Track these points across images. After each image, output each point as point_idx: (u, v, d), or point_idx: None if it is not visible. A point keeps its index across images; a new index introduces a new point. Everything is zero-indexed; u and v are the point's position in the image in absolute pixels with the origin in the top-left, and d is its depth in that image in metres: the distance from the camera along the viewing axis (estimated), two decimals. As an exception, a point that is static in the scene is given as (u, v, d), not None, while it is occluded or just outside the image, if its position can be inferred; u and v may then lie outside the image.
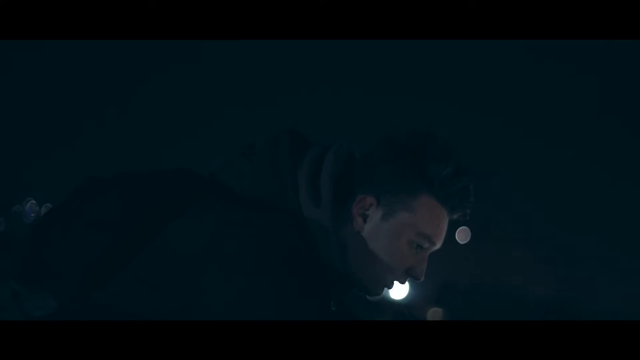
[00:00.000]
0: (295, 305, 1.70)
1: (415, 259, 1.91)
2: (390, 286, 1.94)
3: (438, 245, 1.93)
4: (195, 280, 1.72)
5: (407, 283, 1.97)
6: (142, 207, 1.81)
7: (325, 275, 1.79)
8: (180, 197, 1.83)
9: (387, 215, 1.88)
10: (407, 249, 1.89)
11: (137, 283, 1.76)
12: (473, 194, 1.92)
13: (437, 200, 1.88)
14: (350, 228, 1.89)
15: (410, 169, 1.88)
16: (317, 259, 1.80)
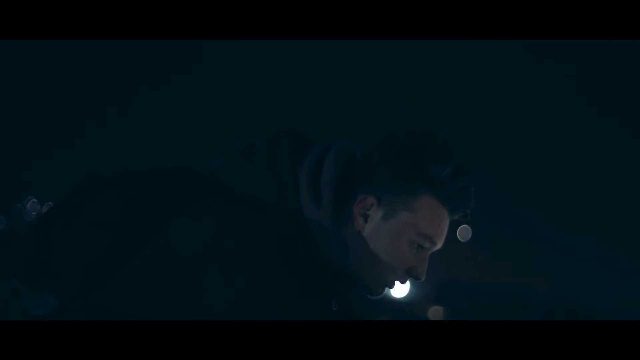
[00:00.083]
0: (295, 305, 1.70)
1: (416, 259, 1.91)
2: (391, 286, 1.94)
3: (439, 245, 1.93)
4: (196, 281, 1.72)
5: (408, 282, 1.97)
6: (142, 206, 1.81)
7: (325, 275, 1.79)
8: (180, 197, 1.83)
9: (388, 215, 1.88)
10: (408, 249, 1.89)
11: (137, 283, 1.76)
12: (474, 194, 1.92)
13: (438, 200, 1.88)
14: (351, 228, 1.89)
15: (411, 169, 1.88)
16: (317, 259, 1.79)
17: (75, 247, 1.79)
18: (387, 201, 1.88)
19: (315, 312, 1.70)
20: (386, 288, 1.94)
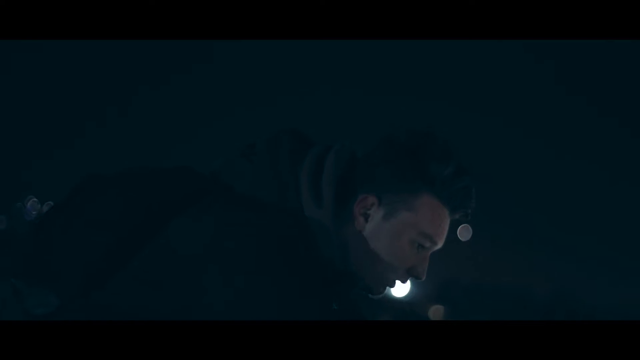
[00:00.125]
0: (295, 305, 1.70)
1: (416, 258, 1.91)
2: (392, 285, 1.94)
3: (439, 245, 1.93)
4: (196, 281, 1.72)
5: (408, 282, 1.97)
6: (142, 206, 1.81)
7: (326, 275, 1.79)
8: (180, 197, 1.83)
9: (389, 215, 1.88)
10: (408, 249, 1.89)
11: (137, 283, 1.76)
12: (475, 193, 1.92)
13: (438, 199, 1.88)
14: (352, 227, 1.89)
15: (412, 168, 1.88)
16: (318, 258, 1.79)
17: (75, 246, 1.79)
18: (388, 201, 1.88)
19: (316, 312, 1.70)
20: (387, 287, 1.94)
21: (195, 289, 1.72)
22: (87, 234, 1.80)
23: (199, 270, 1.72)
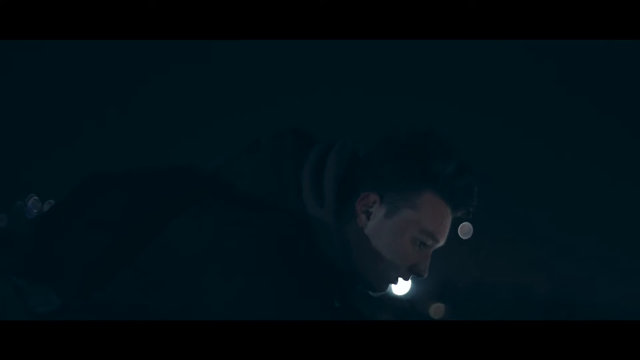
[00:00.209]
0: (296, 304, 1.70)
1: (418, 256, 1.91)
2: (394, 282, 1.94)
3: (441, 243, 1.93)
4: (196, 281, 1.72)
5: (409, 280, 1.97)
6: (143, 206, 1.81)
7: (327, 274, 1.79)
8: (181, 196, 1.83)
9: (391, 213, 1.88)
10: (410, 246, 1.89)
11: (137, 282, 1.76)
12: (477, 191, 1.92)
13: (440, 197, 1.89)
14: (354, 225, 1.89)
15: (414, 166, 1.88)
16: (319, 258, 1.80)
17: (75, 246, 1.79)
18: (390, 198, 1.88)
19: (317, 312, 1.70)
20: (389, 285, 1.94)
21: (195, 289, 1.72)
22: (88, 233, 1.80)
23: (200, 270, 1.72)
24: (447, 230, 1.92)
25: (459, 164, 1.89)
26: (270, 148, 1.91)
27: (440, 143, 1.89)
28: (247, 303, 1.69)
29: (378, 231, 1.89)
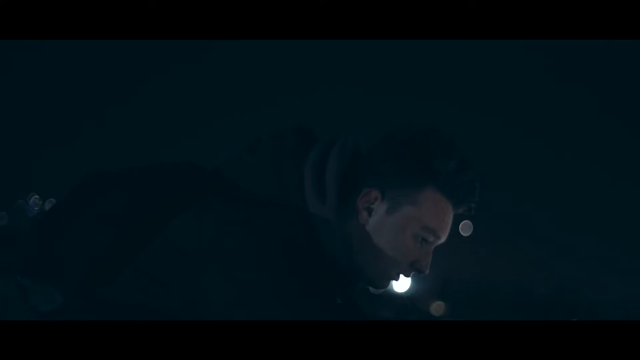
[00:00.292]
0: (297, 302, 1.70)
1: (420, 253, 1.91)
2: (396, 279, 1.94)
3: (443, 239, 1.93)
4: (197, 279, 1.73)
5: (409, 277, 1.98)
6: (143, 205, 1.82)
7: (328, 272, 1.79)
8: (182, 195, 1.83)
9: (392, 209, 1.89)
10: (412, 243, 1.90)
11: (140, 280, 1.76)
12: (478, 188, 1.93)
13: (442, 194, 1.89)
14: (355, 222, 1.90)
15: (415, 163, 1.88)
16: (321, 255, 1.80)
17: (77, 245, 1.80)
18: (391, 195, 1.88)
19: (318, 309, 1.70)
20: (390, 281, 1.95)
21: (196, 288, 1.73)
22: (89, 232, 1.80)
23: (200, 269, 1.73)
24: (449, 227, 1.93)
25: (460, 161, 1.89)
26: (270, 148, 1.91)
27: (441, 140, 1.90)
28: (247, 301, 1.70)
29: (379, 228, 1.89)
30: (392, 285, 2.02)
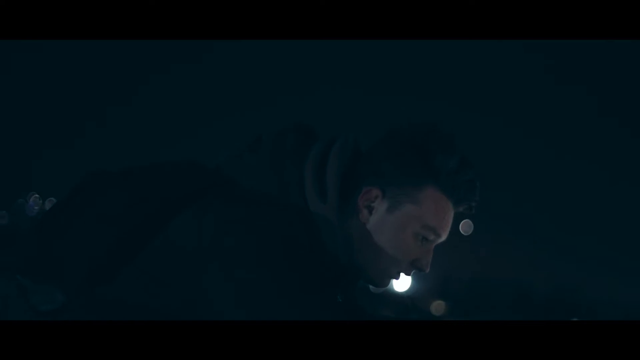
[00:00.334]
0: (297, 300, 1.70)
1: (420, 251, 1.92)
2: (396, 278, 1.95)
3: (443, 238, 1.94)
4: (197, 278, 1.73)
5: (409, 276, 1.98)
6: (144, 204, 1.82)
7: (329, 270, 1.79)
8: (182, 194, 1.83)
9: (393, 208, 1.89)
10: (412, 241, 1.90)
11: (140, 279, 1.76)
12: (479, 186, 1.93)
13: (442, 192, 1.89)
14: (356, 221, 1.90)
15: (416, 161, 1.88)
16: (321, 253, 1.80)
17: (77, 244, 1.80)
18: (392, 193, 1.89)
19: (318, 308, 1.71)
20: (390, 280, 1.95)
21: (197, 286, 1.73)
22: (89, 232, 1.81)
23: (200, 269, 1.73)
24: (449, 225, 1.93)
25: (460, 159, 1.90)
26: (270, 147, 1.92)
27: (442, 138, 1.90)
28: (248, 300, 1.70)
29: (380, 226, 1.89)
30: (392, 285, 2.03)
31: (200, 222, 1.77)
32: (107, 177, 1.88)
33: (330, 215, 1.87)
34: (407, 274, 1.94)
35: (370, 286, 2.02)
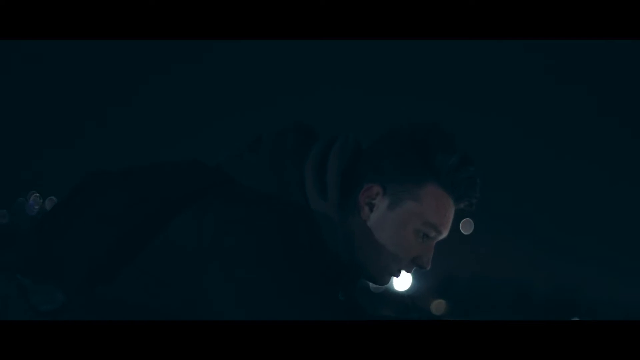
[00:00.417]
0: (298, 299, 1.70)
1: (421, 248, 1.92)
2: (397, 275, 1.95)
3: (444, 234, 1.94)
4: (197, 278, 1.73)
5: (410, 276, 1.98)
6: (145, 203, 1.82)
7: (330, 269, 1.80)
8: (183, 194, 1.83)
9: (394, 205, 1.89)
10: (413, 238, 1.90)
11: (140, 279, 1.77)
12: (479, 183, 1.93)
13: (443, 189, 1.90)
14: (357, 218, 1.90)
15: (417, 159, 1.89)
16: (322, 252, 1.80)
17: (78, 243, 1.80)
18: (393, 190, 1.89)
19: (319, 307, 1.71)
20: (391, 278, 1.95)
21: (197, 286, 1.73)
22: (89, 232, 1.81)
23: (200, 269, 1.73)
24: (450, 222, 1.94)
25: (461, 156, 1.90)
26: (270, 147, 1.92)
27: (442, 135, 1.91)
28: (248, 300, 1.70)
29: (381, 223, 1.90)
30: (392, 284, 2.03)
31: (200, 222, 1.77)
32: (107, 177, 1.88)
33: (331, 212, 1.87)
34: (408, 271, 1.94)
35: (371, 285, 2.02)
